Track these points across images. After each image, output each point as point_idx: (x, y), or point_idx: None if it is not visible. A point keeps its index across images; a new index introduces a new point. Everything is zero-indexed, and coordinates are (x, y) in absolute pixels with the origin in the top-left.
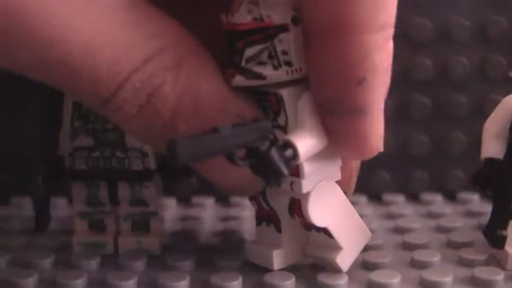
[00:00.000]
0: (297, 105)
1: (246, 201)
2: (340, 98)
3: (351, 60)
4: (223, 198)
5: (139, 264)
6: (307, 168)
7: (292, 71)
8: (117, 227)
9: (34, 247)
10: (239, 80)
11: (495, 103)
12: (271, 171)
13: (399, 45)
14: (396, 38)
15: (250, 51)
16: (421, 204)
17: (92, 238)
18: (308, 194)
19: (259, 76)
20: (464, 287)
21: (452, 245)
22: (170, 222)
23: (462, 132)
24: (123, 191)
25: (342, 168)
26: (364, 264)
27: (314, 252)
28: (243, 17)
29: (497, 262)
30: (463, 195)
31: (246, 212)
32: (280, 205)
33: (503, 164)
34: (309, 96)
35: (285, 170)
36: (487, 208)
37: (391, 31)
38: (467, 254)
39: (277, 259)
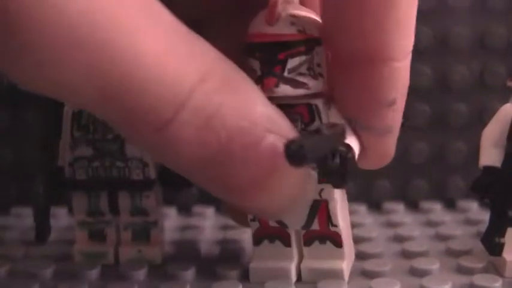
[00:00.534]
0: (329, 113)
1: None
2: (369, 120)
3: (383, 86)
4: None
5: (140, 274)
6: None
7: (324, 82)
8: (118, 237)
9: (35, 257)
10: (285, 89)
11: (494, 112)
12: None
13: None
14: None
15: (292, 62)
16: (420, 213)
17: (93, 248)
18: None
19: (304, 85)
20: None
21: (451, 253)
22: (171, 231)
23: (461, 140)
24: (124, 200)
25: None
26: (364, 273)
27: (314, 265)
28: (287, 29)
29: (495, 269)
30: (462, 203)
31: None
32: (293, 218)
33: (501, 172)
34: (334, 104)
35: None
36: (486, 216)
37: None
38: (466, 262)
39: (295, 271)
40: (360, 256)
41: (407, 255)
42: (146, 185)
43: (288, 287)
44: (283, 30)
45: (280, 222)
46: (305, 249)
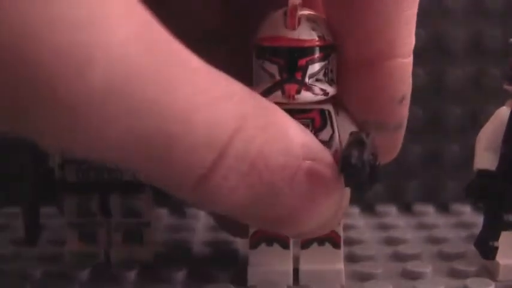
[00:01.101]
0: (337, 118)
1: None
2: (383, 118)
3: (392, 84)
4: None
5: (132, 275)
6: None
7: (336, 88)
8: (109, 238)
9: (25, 257)
10: (306, 96)
11: (489, 114)
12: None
13: None
14: None
15: (312, 69)
16: (413, 215)
17: (84, 249)
18: None
19: (324, 92)
20: None
21: (444, 256)
22: (163, 232)
23: (456, 143)
24: (115, 202)
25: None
26: (356, 275)
27: (312, 267)
28: (308, 34)
29: (488, 273)
30: (455, 206)
31: None
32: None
33: (495, 176)
34: (344, 108)
35: None
36: (479, 219)
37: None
38: (459, 265)
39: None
40: (353, 259)
41: (399, 258)
42: (137, 186)
43: None
44: (304, 35)
45: None
46: (302, 252)
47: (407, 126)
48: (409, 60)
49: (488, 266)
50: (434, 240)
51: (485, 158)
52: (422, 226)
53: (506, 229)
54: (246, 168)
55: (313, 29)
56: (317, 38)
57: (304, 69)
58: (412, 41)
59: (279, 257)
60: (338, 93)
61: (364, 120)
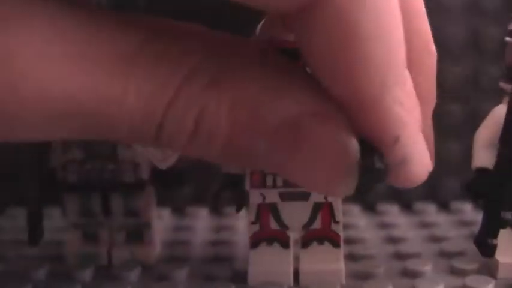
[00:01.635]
0: None
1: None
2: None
3: (379, 128)
4: (216, 209)
5: (133, 275)
6: None
7: None
8: (111, 238)
9: (28, 258)
10: None
11: (487, 113)
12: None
13: None
14: None
15: None
16: (414, 214)
17: (86, 249)
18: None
19: None
20: None
21: (444, 254)
22: (164, 232)
23: (455, 141)
24: (116, 202)
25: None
26: (356, 274)
27: (312, 267)
28: None
29: (488, 271)
30: (456, 204)
31: (239, 222)
32: (296, 219)
33: (494, 174)
34: None
35: None
36: (480, 217)
37: (405, 75)
38: (459, 263)
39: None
40: (353, 258)
41: (400, 256)
42: (138, 186)
43: None
44: None
45: (281, 224)
46: (302, 251)
47: None
48: (394, 95)
49: (487, 263)
50: (435, 239)
51: (483, 156)
52: (423, 225)
53: (504, 227)
54: (192, 129)
55: None
56: None
57: None
58: (395, 74)
59: (279, 257)
60: None
61: None
